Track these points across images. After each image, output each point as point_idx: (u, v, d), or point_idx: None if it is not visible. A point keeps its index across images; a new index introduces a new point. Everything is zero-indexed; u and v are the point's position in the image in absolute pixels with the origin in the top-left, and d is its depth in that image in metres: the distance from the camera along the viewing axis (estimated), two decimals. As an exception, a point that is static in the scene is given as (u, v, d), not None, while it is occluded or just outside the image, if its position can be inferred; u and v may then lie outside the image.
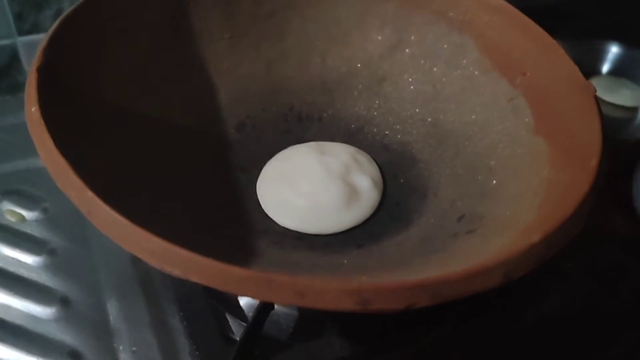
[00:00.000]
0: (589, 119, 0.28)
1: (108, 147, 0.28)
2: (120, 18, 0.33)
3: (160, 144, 0.32)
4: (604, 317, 0.34)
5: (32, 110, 0.25)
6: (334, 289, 0.20)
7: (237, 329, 0.32)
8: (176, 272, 0.21)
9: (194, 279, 0.21)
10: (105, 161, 0.27)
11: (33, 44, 0.50)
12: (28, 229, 0.36)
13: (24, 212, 0.37)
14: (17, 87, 0.52)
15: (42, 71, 0.27)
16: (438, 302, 0.21)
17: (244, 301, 0.33)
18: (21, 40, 0.50)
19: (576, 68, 0.31)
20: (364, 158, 0.36)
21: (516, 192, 0.29)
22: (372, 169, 0.35)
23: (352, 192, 0.33)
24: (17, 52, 0.50)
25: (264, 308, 0.30)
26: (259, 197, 0.34)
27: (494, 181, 0.31)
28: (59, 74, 0.28)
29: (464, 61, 0.36)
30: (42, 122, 0.25)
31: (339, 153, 0.35)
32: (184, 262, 0.21)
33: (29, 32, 0.50)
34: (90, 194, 0.22)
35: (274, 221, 0.33)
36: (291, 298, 0.20)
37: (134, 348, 0.31)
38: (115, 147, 0.29)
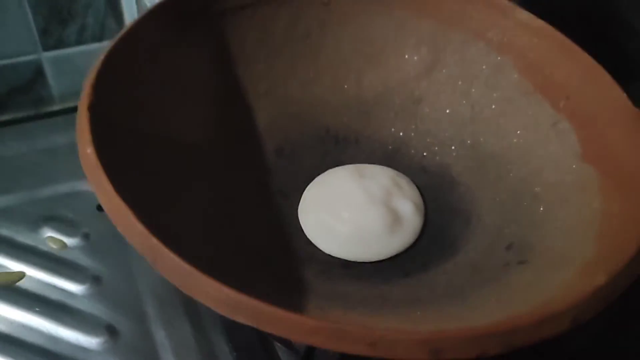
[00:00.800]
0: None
1: (160, 183, 0.28)
2: (162, 47, 0.33)
3: (206, 174, 0.32)
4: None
5: (87, 152, 0.25)
6: (405, 340, 0.20)
7: (285, 357, 0.32)
8: (248, 322, 0.21)
9: (266, 329, 0.21)
10: (160, 198, 0.27)
11: (58, 59, 0.51)
12: (70, 256, 0.37)
13: (65, 239, 0.37)
14: (42, 102, 0.52)
15: (93, 109, 0.27)
16: (508, 350, 0.21)
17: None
18: (46, 55, 0.50)
19: (624, 95, 0.30)
20: (404, 181, 0.35)
21: (566, 222, 0.29)
22: (413, 192, 0.35)
23: (395, 218, 0.33)
24: (42, 67, 0.51)
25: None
26: (301, 224, 0.34)
27: (541, 208, 0.31)
28: (108, 110, 0.28)
29: (504, 83, 0.36)
30: (99, 165, 0.24)
31: (379, 176, 0.35)
32: (255, 312, 0.21)
33: (54, 47, 0.50)
34: (155, 241, 0.22)
35: (317, 248, 0.33)
36: (363, 349, 0.20)
37: (183, 378, 0.31)
38: (166, 182, 0.29)
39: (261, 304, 0.20)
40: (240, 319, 0.21)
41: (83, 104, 0.27)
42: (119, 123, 0.28)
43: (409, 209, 0.34)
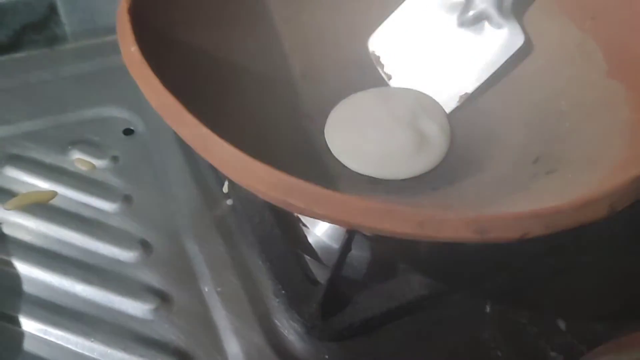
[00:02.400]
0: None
1: (202, 87, 0.29)
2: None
3: (240, 89, 0.33)
4: None
5: (131, 51, 0.25)
6: (453, 219, 0.21)
7: (316, 270, 0.33)
8: (299, 205, 0.21)
9: (318, 211, 0.21)
10: (204, 100, 0.28)
11: (70, -5, 0.50)
12: (100, 177, 0.37)
13: (94, 161, 0.38)
14: (55, 40, 0.52)
15: (133, 11, 0.27)
16: (550, 232, 0.22)
17: (318, 245, 0.34)
18: (59, -9, 0.49)
19: (650, 10, 0.31)
20: (429, 102, 0.36)
21: (595, 134, 0.30)
22: (439, 113, 0.36)
23: (421, 139, 0.34)
24: (55, 4, 0.50)
25: (346, 247, 0.31)
26: (328, 144, 0.34)
27: (567, 124, 0.32)
28: (147, 15, 0.28)
29: (529, 5, 0.36)
30: (144, 61, 0.25)
31: (404, 98, 0.36)
32: (307, 194, 0.21)
33: (68, -18, 0.49)
34: (205, 130, 0.23)
35: (345, 167, 0.34)
36: (412, 228, 0.21)
37: (219, 289, 0.32)
38: (207, 87, 0.29)
39: (314, 186, 0.21)
40: (295, 201, 0.21)
41: (122, 7, 0.27)
42: (158, 28, 0.29)
43: (435, 129, 0.34)
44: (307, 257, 0.33)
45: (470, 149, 0.35)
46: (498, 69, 0.35)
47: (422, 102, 0.36)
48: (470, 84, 0.35)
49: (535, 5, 0.36)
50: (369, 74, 0.38)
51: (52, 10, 0.50)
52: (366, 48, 0.39)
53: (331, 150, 0.34)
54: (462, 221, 0.21)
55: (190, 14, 0.31)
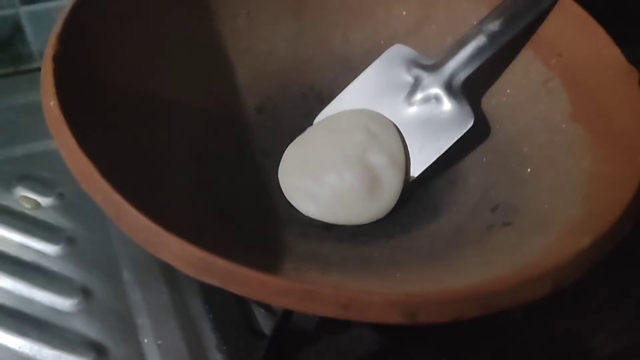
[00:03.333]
0: (632, 106, 0.27)
1: (129, 139, 0.27)
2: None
3: (181, 131, 0.31)
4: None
5: (50, 105, 0.24)
6: (379, 302, 0.19)
7: (262, 320, 0.31)
8: (214, 283, 0.20)
9: (233, 290, 0.20)
10: (128, 155, 0.26)
11: (37, 14, 0.49)
12: (44, 216, 0.35)
13: (39, 198, 0.36)
14: (21, 59, 0.50)
15: (58, 59, 0.26)
16: (485, 314, 0.20)
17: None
18: (24, 10, 0.48)
19: (618, 50, 0.29)
20: (379, 127, 0.34)
21: (554, 183, 0.28)
22: (390, 140, 0.33)
23: (372, 178, 0.32)
24: (20, 22, 0.49)
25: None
26: (281, 186, 0.33)
27: (529, 169, 0.30)
28: (75, 61, 0.27)
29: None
30: (63, 118, 0.23)
31: (354, 128, 0.33)
32: (221, 272, 0.20)
33: (32, 2, 0.48)
34: (117, 197, 0.21)
35: (298, 210, 0.32)
36: (334, 311, 0.19)
37: (159, 341, 0.30)
38: (137, 137, 0.28)
39: (228, 263, 0.19)
40: (206, 279, 0.20)
41: (48, 54, 0.26)
42: (87, 76, 0.27)
43: (385, 163, 0.32)
44: (256, 307, 0.32)
45: (429, 190, 0.33)
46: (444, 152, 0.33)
47: (374, 130, 0.33)
48: (416, 168, 0.33)
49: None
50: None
51: (18, 28, 0.49)
52: (327, 79, 0.37)
53: (284, 192, 0.33)
54: (389, 304, 0.19)
55: (128, 55, 0.30)
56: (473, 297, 0.20)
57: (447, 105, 0.33)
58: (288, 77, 0.36)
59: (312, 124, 0.36)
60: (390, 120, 0.34)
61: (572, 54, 0.31)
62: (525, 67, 0.33)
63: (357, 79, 0.35)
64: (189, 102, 0.32)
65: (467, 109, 0.33)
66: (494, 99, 0.34)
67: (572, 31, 0.31)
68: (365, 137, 0.33)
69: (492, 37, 0.32)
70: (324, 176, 0.32)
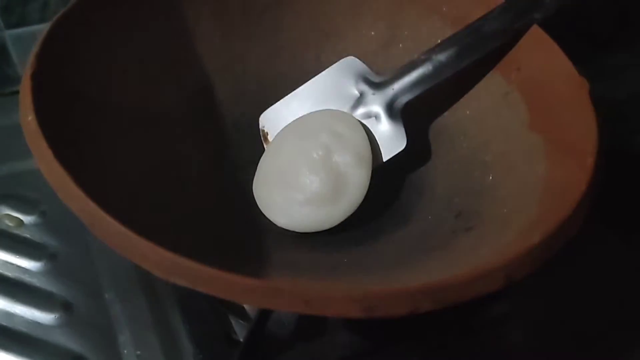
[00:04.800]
0: (583, 116, 0.29)
1: (107, 152, 0.28)
2: (112, 19, 0.32)
3: (159, 146, 0.32)
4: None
5: (28, 120, 0.25)
6: (339, 297, 0.21)
7: (239, 328, 0.32)
8: (182, 283, 0.21)
9: (201, 289, 0.21)
10: (105, 167, 0.27)
11: (21, 36, 0.50)
12: (27, 234, 0.36)
13: (22, 217, 0.37)
14: (6, 81, 0.51)
15: (36, 77, 0.27)
16: (441, 307, 0.21)
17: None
18: (9, 33, 0.49)
19: (570, 64, 0.31)
20: (343, 126, 0.34)
21: (513, 189, 0.30)
22: (356, 137, 0.33)
23: (338, 179, 0.32)
24: (5, 45, 0.50)
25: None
26: (255, 199, 0.34)
27: (490, 177, 0.32)
28: (54, 79, 0.28)
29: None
30: (40, 131, 0.25)
31: (318, 130, 0.34)
32: (190, 273, 0.21)
33: (17, 25, 0.49)
34: (92, 205, 0.22)
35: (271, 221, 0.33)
36: (297, 306, 0.20)
37: (138, 352, 0.31)
38: (114, 151, 0.29)
39: (195, 263, 0.21)
40: (176, 280, 0.21)
41: (27, 72, 0.27)
42: (65, 91, 0.28)
43: (350, 161, 0.32)
44: (231, 316, 0.33)
45: (398, 197, 0.34)
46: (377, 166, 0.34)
47: (337, 129, 0.34)
48: None
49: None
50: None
51: (3, 51, 0.50)
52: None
53: (259, 206, 0.34)
54: (348, 299, 0.21)
55: (105, 72, 0.31)
56: (427, 290, 0.21)
57: (385, 125, 0.34)
58: (263, 94, 0.38)
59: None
60: (355, 118, 0.35)
61: (529, 68, 0.33)
62: (487, 81, 0.35)
63: (306, 83, 0.36)
64: (167, 117, 0.33)
65: (402, 133, 0.34)
66: (459, 111, 0.35)
67: (529, 47, 0.33)
68: (330, 138, 0.33)
69: (438, 68, 0.33)
70: (293, 186, 0.33)
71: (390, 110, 0.34)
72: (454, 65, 0.33)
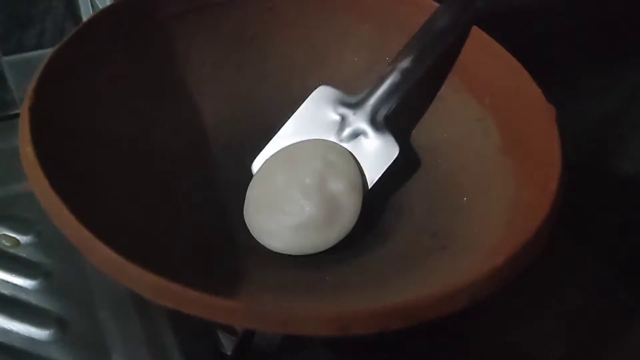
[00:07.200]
0: (549, 141, 0.30)
1: (100, 182, 0.30)
2: (107, 49, 0.34)
3: (149, 170, 0.34)
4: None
5: (26, 151, 0.27)
6: (315, 317, 0.22)
7: (227, 343, 0.33)
8: (170, 305, 0.23)
9: (186, 311, 0.22)
10: (98, 196, 0.29)
11: (18, 63, 0.51)
12: (23, 253, 0.38)
13: (19, 237, 0.39)
14: (4, 106, 0.53)
15: (34, 110, 0.28)
16: (410, 325, 0.23)
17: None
18: (6, 60, 0.51)
19: (539, 91, 0.33)
20: (335, 155, 0.36)
21: (485, 210, 0.31)
22: (348, 166, 0.35)
23: (332, 204, 0.34)
24: (2, 71, 0.51)
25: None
26: (247, 223, 0.35)
27: (465, 198, 0.33)
28: (51, 111, 0.30)
29: (436, 81, 0.38)
30: (37, 162, 0.26)
31: (310, 158, 0.36)
32: (175, 296, 0.22)
33: (14, 52, 0.51)
34: (87, 233, 0.24)
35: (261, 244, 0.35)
36: (276, 327, 0.22)
37: (130, 367, 0.33)
38: (107, 181, 0.30)
39: (180, 287, 0.22)
40: (162, 301, 0.23)
41: (25, 104, 0.29)
42: (60, 124, 0.30)
43: (344, 189, 0.34)
44: (222, 333, 0.34)
45: (380, 220, 0.36)
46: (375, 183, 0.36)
47: (330, 158, 0.35)
48: None
49: (440, 81, 0.38)
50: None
51: (0, 77, 0.51)
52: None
53: (251, 232, 0.35)
54: (324, 319, 0.22)
55: (101, 105, 0.33)
56: (397, 310, 0.23)
57: (374, 138, 0.35)
58: (250, 119, 0.39)
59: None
60: (344, 147, 0.36)
61: (502, 94, 0.35)
62: (462, 106, 0.36)
63: (288, 121, 0.37)
64: (159, 145, 0.35)
65: (392, 140, 0.35)
66: (436, 135, 0.37)
67: (502, 74, 0.35)
68: (322, 165, 0.35)
69: (405, 74, 0.35)
70: (286, 211, 0.34)
71: (375, 123, 0.36)
72: (419, 68, 0.35)
